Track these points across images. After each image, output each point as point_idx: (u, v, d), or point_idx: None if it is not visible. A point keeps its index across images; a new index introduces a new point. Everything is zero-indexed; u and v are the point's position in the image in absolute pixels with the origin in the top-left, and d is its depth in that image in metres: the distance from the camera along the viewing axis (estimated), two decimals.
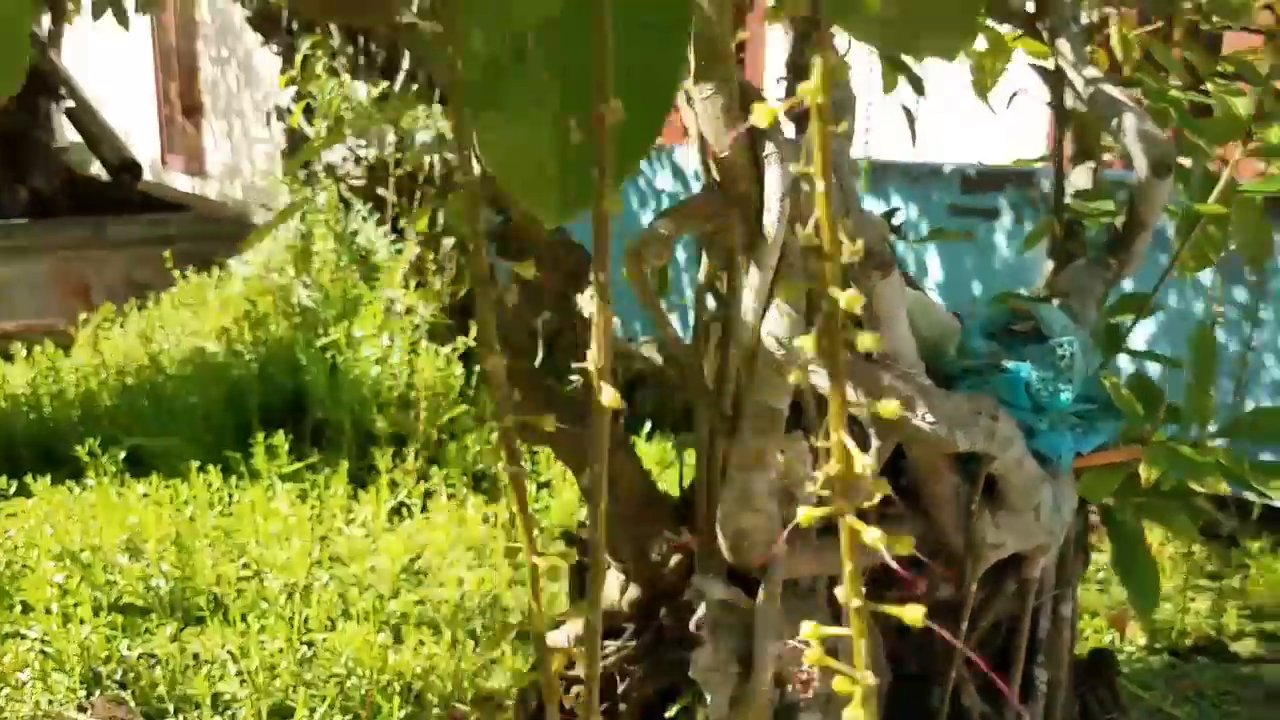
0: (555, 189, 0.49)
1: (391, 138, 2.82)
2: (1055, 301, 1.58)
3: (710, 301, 1.31)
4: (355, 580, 2.14)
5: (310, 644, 1.93)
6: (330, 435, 2.74)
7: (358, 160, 2.92)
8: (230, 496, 2.48)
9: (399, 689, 1.78)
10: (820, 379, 1.25)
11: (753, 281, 1.11)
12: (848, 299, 0.36)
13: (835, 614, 1.33)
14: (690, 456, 1.43)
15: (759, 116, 0.41)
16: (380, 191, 2.90)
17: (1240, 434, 1.38)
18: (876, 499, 1.23)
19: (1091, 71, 1.49)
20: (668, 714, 1.30)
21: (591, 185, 0.49)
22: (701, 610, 1.13)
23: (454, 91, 0.45)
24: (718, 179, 1.14)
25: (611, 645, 1.38)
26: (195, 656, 1.89)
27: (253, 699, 1.73)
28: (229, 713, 1.75)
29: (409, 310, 2.79)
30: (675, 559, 1.33)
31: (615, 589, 1.38)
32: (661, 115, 0.48)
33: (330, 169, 2.97)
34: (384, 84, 2.96)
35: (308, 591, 2.09)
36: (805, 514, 0.38)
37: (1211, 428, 1.40)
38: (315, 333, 2.84)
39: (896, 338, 1.27)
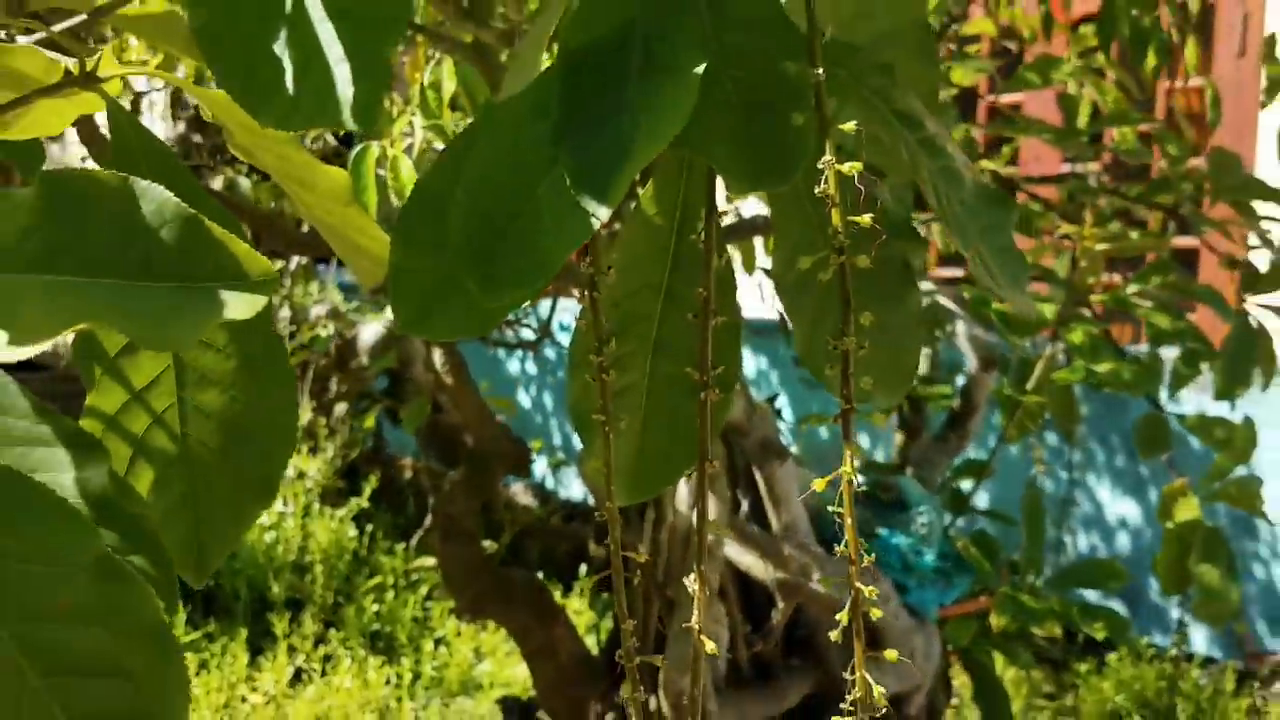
0: (629, 481, 0.71)
1: (285, 311, 2.98)
2: (909, 470, 1.87)
3: None
4: None
5: None
6: (224, 603, 2.79)
7: None
8: None
9: None
10: (733, 551, 1.48)
11: (685, 480, 1.33)
12: None
13: None
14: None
15: None
16: None
17: (1071, 583, 1.68)
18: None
19: (928, 285, 1.82)
20: None
21: (650, 479, 0.72)
22: None
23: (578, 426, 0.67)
24: None
25: None
26: None
27: None
28: None
29: (301, 475, 2.89)
30: (609, 718, 1.51)
31: None
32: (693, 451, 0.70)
33: None
34: (279, 262, 3.12)
35: None
36: None
37: (1047, 571, 1.70)
38: None
39: (793, 513, 1.51)
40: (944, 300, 1.78)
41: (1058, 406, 1.91)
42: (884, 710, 1.03)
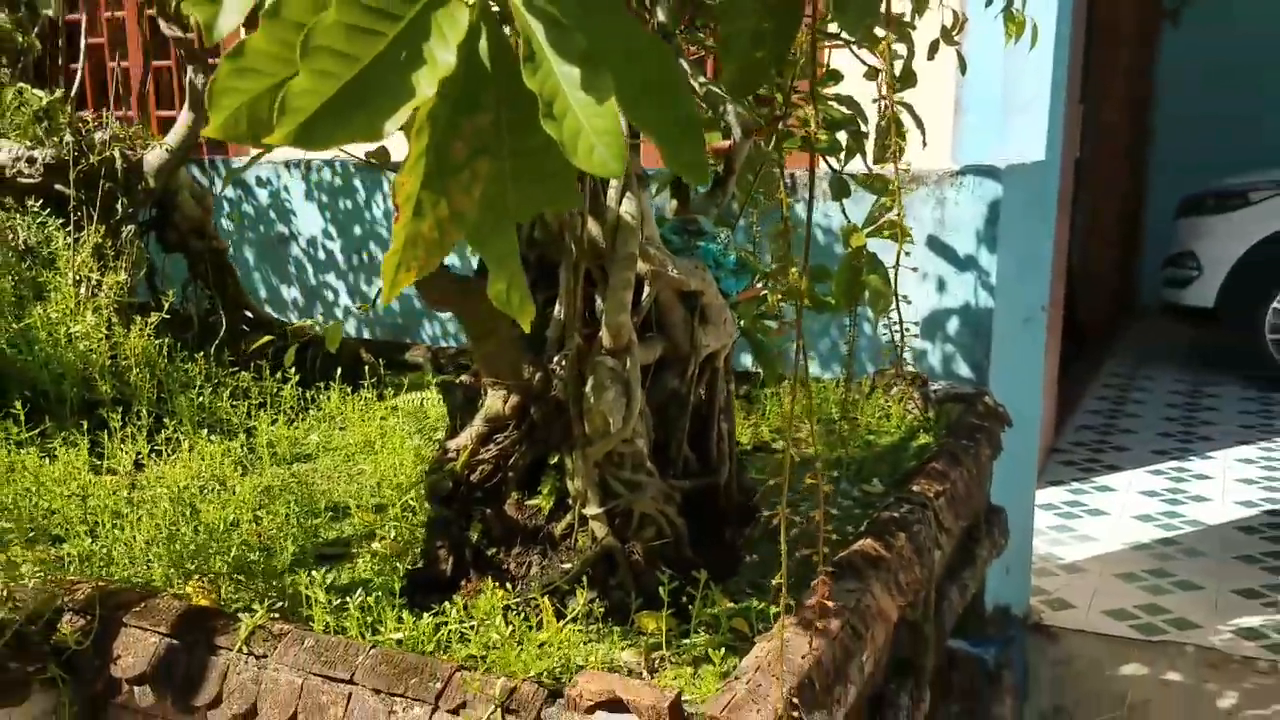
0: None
1: (69, 138, 3.07)
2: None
3: None
4: (168, 494, 2.54)
5: (172, 535, 2.32)
6: (49, 407, 2.96)
7: (30, 161, 3.10)
8: None
9: (259, 547, 2.31)
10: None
11: (615, 184, 1.96)
12: None
13: None
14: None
15: None
16: (58, 187, 3.11)
17: (810, 278, 2.52)
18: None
19: (702, 79, 2.54)
20: (552, 461, 2.10)
21: None
22: (591, 377, 1.96)
23: None
24: None
25: (501, 435, 2.13)
26: (76, 558, 2.23)
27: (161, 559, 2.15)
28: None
29: (97, 288, 3.07)
30: (538, 376, 2.12)
31: (500, 401, 2.13)
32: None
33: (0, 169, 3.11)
34: (59, 90, 3.17)
35: (134, 504, 2.46)
36: None
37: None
38: (3, 321, 3.00)
39: (650, 229, 2.19)
40: (715, 89, 2.51)
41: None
42: (713, 351, 1.87)
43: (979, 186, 3.76)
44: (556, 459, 2.12)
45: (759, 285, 2.41)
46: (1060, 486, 6.03)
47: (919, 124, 2.83)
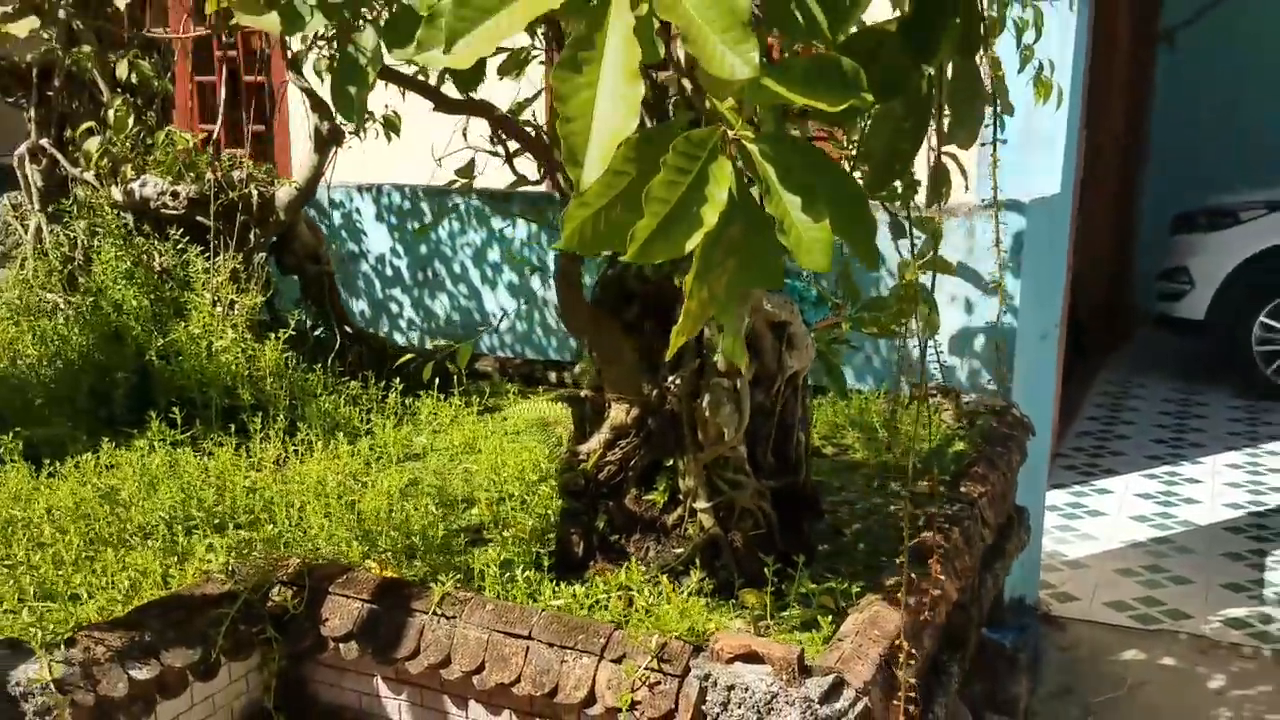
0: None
1: (209, 175, 3.48)
2: None
3: None
4: (337, 488, 2.94)
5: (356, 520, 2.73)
6: (197, 411, 3.37)
7: (175, 195, 3.51)
8: (143, 464, 3.08)
9: (415, 531, 2.73)
10: None
11: None
12: None
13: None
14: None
15: None
16: (199, 218, 3.52)
17: (872, 308, 2.96)
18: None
19: None
20: (666, 463, 2.52)
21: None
22: (709, 395, 2.38)
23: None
24: None
25: (624, 441, 2.55)
26: (266, 542, 2.65)
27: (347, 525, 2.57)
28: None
29: (232, 307, 3.48)
30: (655, 393, 2.54)
31: (623, 413, 2.56)
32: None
33: (145, 201, 3.51)
34: (200, 134, 3.58)
35: (290, 495, 2.88)
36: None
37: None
38: (149, 336, 3.40)
39: None
40: None
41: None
42: (794, 371, 2.36)
43: (1004, 218, 4.20)
44: (670, 461, 2.54)
45: (834, 316, 2.84)
46: (1062, 489, 6.46)
47: (962, 171, 3.26)
